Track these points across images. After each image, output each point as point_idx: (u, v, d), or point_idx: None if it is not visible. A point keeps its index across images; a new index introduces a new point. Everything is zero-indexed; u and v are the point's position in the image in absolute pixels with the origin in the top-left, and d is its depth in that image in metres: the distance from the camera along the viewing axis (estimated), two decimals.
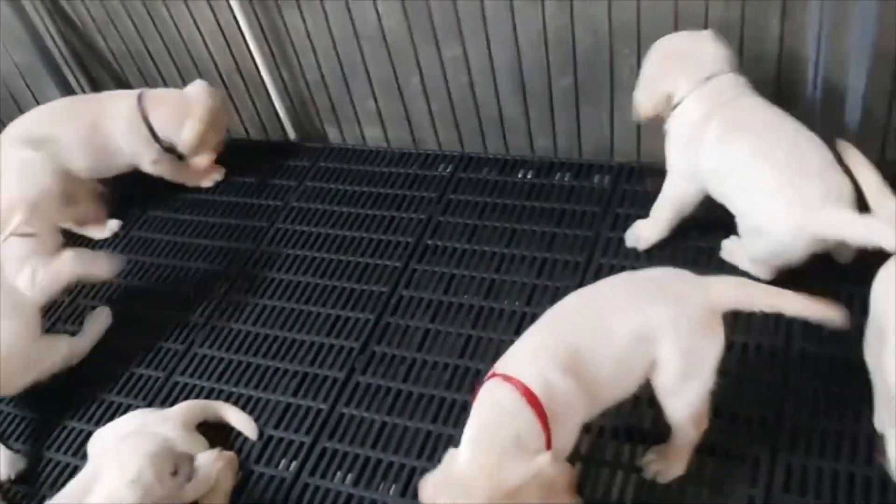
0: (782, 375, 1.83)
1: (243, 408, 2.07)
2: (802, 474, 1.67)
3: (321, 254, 2.46)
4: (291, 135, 2.91)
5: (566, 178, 2.47)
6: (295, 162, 2.82)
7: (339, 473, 1.91)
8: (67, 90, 3.10)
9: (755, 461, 1.71)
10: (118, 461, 1.70)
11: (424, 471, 1.54)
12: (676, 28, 2.12)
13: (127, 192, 2.82)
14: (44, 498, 1.99)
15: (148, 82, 3.00)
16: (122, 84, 3.07)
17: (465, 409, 1.91)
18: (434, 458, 1.85)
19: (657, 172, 2.34)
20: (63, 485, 1.93)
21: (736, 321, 1.81)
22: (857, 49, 1.93)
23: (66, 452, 2.13)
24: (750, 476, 1.69)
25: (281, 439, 2.00)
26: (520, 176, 2.53)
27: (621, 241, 2.22)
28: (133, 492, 1.64)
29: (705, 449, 1.72)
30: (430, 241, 2.40)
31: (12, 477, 2.05)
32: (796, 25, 2.02)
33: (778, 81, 2.14)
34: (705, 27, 2.09)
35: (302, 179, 2.74)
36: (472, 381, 1.99)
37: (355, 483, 1.88)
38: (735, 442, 1.74)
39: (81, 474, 1.85)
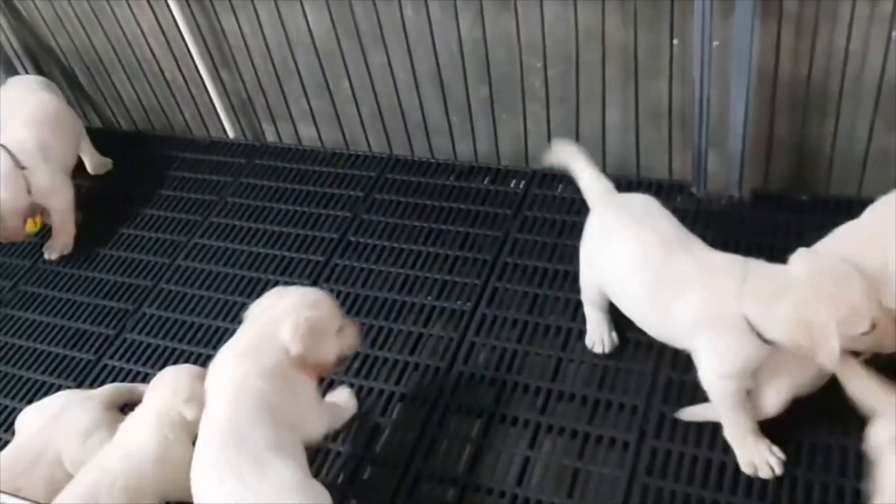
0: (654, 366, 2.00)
1: None
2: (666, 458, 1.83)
3: (250, 247, 2.59)
4: (231, 133, 3.03)
5: (485, 182, 2.62)
6: (232, 159, 2.95)
7: None
8: None
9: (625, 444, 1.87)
10: (172, 384, 1.85)
11: None
12: (578, 45, 2.28)
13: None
14: None
15: (95, 79, 3.11)
16: (70, 79, 3.18)
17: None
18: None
19: (568, 179, 2.52)
20: None
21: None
22: (737, 69, 2.08)
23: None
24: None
25: None
26: (442, 179, 2.67)
27: (527, 241, 2.38)
28: (192, 410, 1.79)
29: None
30: (352, 238, 2.54)
31: None
32: (685, 46, 2.17)
33: (670, 99, 2.30)
34: (603, 44, 2.26)
35: (238, 176, 2.87)
36: (380, 368, 2.14)
37: None
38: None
39: (11, 446, 1.98)
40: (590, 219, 1.98)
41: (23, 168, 2.59)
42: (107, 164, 3.04)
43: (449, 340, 2.18)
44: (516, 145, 2.62)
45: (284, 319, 1.74)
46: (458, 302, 2.27)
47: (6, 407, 2.32)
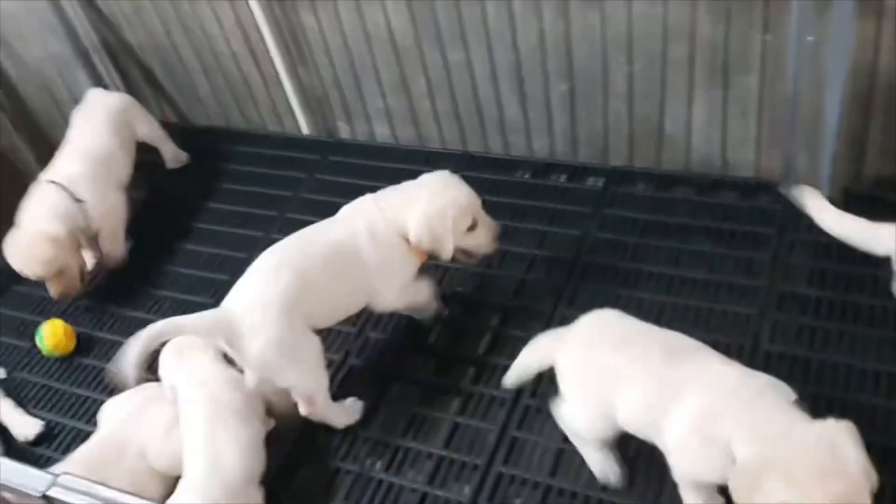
0: None
1: None
2: None
3: None
4: (305, 129, 3.05)
5: (562, 179, 2.59)
6: (307, 155, 2.96)
7: None
8: (98, 81, 3.26)
9: None
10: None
11: None
12: (666, 40, 2.23)
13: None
14: (51, 459, 2.16)
15: (172, 75, 3.15)
16: (147, 75, 3.23)
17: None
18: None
19: (648, 176, 2.47)
20: (73, 447, 2.11)
21: None
22: (833, 66, 2.01)
23: (78, 419, 2.30)
24: None
25: None
26: (518, 175, 2.64)
27: (608, 241, 2.34)
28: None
29: None
30: None
31: (30, 439, 2.22)
32: (778, 41, 2.11)
33: (760, 95, 2.24)
34: (692, 41, 2.20)
35: (313, 172, 2.88)
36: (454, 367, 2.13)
37: None
38: None
39: (94, 439, 2.02)
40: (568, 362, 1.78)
41: (79, 201, 2.54)
42: (181, 157, 3.05)
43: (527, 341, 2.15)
44: (595, 142, 2.58)
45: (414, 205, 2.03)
46: (538, 302, 2.24)
47: (87, 398, 2.36)
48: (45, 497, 1.20)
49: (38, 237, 2.42)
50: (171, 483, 1.98)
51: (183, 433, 1.91)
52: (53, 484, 1.20)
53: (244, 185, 2.91)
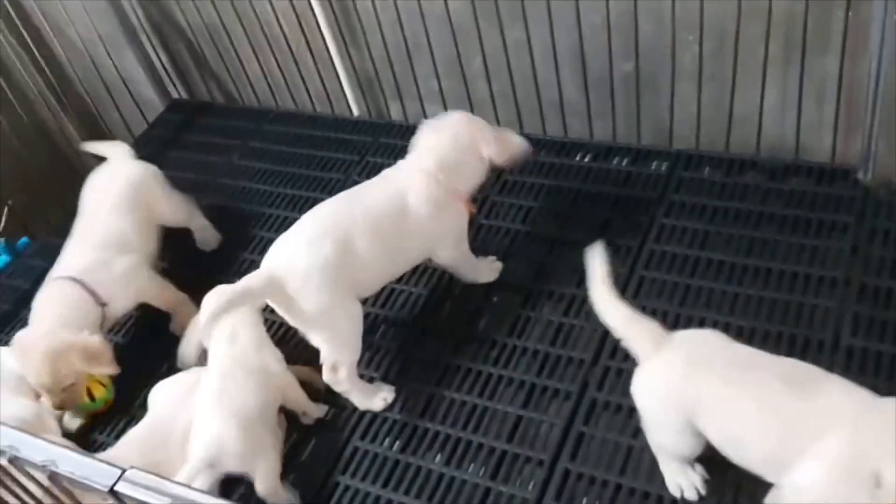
0: None
1: None
2: None
3: None
4: (356, 111, 2.98)
5: (624, 163, 2.49)
6: (358, 137, 2.89)
7: None
8: (147, 61, 3.22)
9: None
10: None
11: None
12: (740, 17, 2.12)
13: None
14: (103, 443, 2.13)
15: (221, 54, 3.09)
16: (195, 55, 3.18)
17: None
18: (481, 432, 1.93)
19: (716, 161, 2.37)
20: (124, 431, 2.08)
21: None
22: None
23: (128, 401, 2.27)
24: None
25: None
26: (577, 159, 2.55)
27: (675, 227, 2.24)
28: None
29: None
30: (484, 221, 2.44)
31: (73, 430, 2.20)
32: (860, 20, 1.99)
33: (839, 77, 2.12)
34: (769, 18, 2.09)
35: (364, 154, 2.81)
36: (519, 360, 2.06)
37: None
38: None
39: (144, 422, 1.99)
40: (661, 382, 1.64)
41: (103, 305, 2.21)
42: (212, 241, 2.67)
43: (592, 332, 2.07)
44: (659, 125, 2.48)
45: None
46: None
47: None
48: (112, 492, 1.15)
49: (49, 354, 2.05)
50: None
51: (201, 387, 1.94)
52: (121, 478, 1.15)
53: (295, 167, 2.85)
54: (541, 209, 2.43)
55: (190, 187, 2.89)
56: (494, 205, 2.48)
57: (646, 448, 1.79)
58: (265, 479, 1.87)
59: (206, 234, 2.65)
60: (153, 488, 1.13)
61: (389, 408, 2.05)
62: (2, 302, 2.71)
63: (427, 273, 2.33)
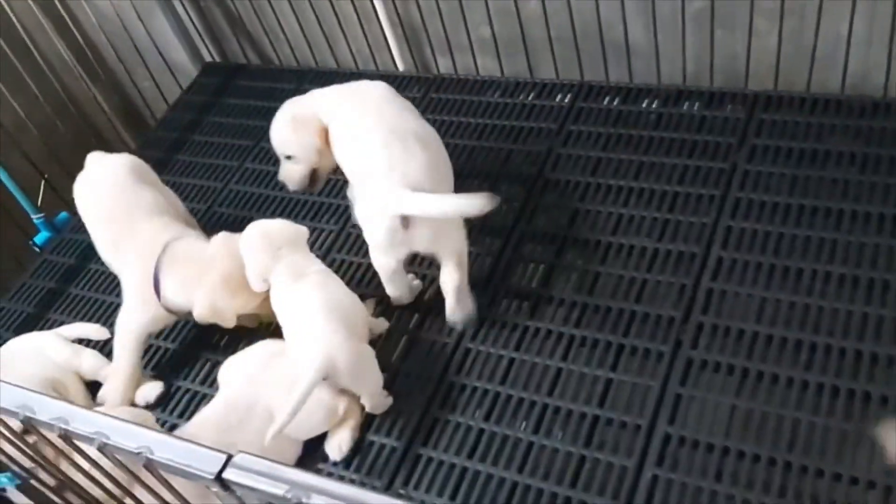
0: None
1: None
2: None
3: None
4: (401, 66, 2.83)
5: (695, 108, 2.34)
6: (405, 93, 2.74)
7: None
8: (178, 22, 3.08)
9: None
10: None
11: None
12: None
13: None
14: (166, 422, 2.04)
15: (257, 12, 2.94)
16: (229, 14, 3.03)
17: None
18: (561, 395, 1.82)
19: (798, 102, 2.22)
20: (194, 410, 1.98)
21: None
22: None
23: (196, 381, 2.16)
24: None
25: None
26: (644, 105, 2.40)
27: (760, 173, 2.11)
28: None
29: None
30: (550, 175, 2.31)
31: (151, 402, 2.10)
32: None
33: None
34: None
35: None
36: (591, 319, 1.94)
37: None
38: None
39: (217, 400, 1.89)
40: None
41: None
42: None
43: (681, 287, 1.94)
44: (733, 65, 2.33)
45: None
46: (685, 245, 2.02)
47: (206, 359, 2.23)
48: (219, 479, 1.04)
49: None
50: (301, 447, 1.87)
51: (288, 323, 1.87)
52: (228, 464, 1.05)
53: None
54: (609, 160, 2.29)
55: (232, 153, 2.78)
56: (560, 157, 2.34)
57: (753, 408, 1.68)
58: (372, 393, 1.86)
59: None
60: (268, 474, 1.02)
61: (467, 374, 1.94)
62: (47, 279, 2.61)
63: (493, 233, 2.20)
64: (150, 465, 1.10)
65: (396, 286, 2.05)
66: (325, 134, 2.07)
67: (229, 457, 1.06)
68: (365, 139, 1.93)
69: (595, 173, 2.27)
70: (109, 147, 2.85)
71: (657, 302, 1.94)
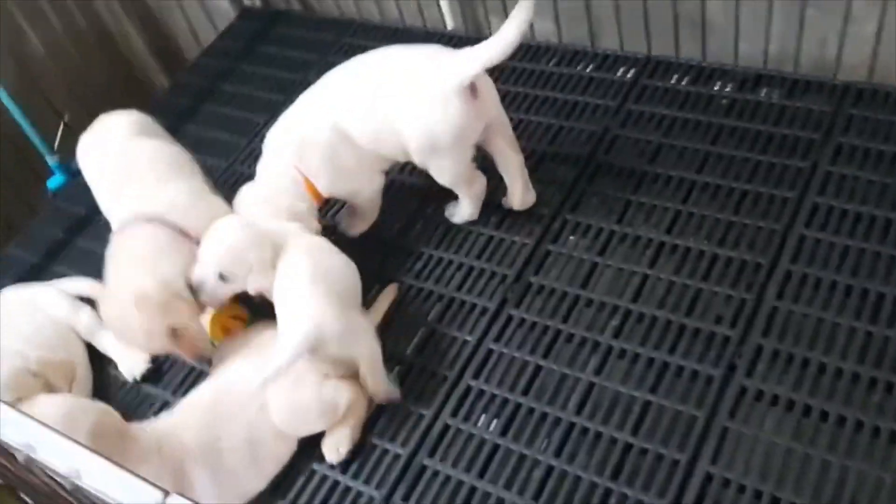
0: None
1: None
2: None
3: None
4: (450, 24, 2.59)
5: (775, 96, 2.06)
6: None
7: None
8: None
9: None
10: None
11: None
12: None
13: None
14: (166, 402, 1.87)
15: None
16: None
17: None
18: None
19: (893, 98, 1.94)
20: (190, 386, 1.81)
21: None
22: None
23: None
24: None
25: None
26: (717, 88, 2.13)
27: (844, 177, 1.83)
28: None
29: None
30: (603, 159, 2.06)
31: (137, 376, 1.94)
32: None
33: None
34: None
35: None
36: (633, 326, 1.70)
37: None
38: None
39: (204, 386, 1.72)
40: None
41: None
42: None
43: (741, 302, 1.69)
44: (822, 51, 2.03)
45: None
46: (749, 254, 1.77)
47: None
48: None
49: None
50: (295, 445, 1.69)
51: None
52: None
53: None
54: (670, 148, 2.03)
55: (261, 106, 2.58)
56: (615, 140, 2.09)
57: (812, 454, 1.44)
58: (370, 364, 1.66)
59: None
60: None
61: (487, 379, 1.73)
62: (55, 227, 2.46)
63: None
64: (76, 492, 0.92)
65: (476, 176, 1.92)
66: None
67: (165, 494, 0.87)
68: None
69: (654, 161, 2.01)
70: (141, 88, 2.69)
71: (711, 316, 1.69)
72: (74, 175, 2.62)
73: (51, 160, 2.59)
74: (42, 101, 2.65)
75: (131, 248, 1.78)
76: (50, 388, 1.84)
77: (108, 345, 1.99)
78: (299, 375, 1.61)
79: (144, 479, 0.90)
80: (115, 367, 2.00)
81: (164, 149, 2.02)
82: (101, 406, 1.62)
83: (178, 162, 2.00)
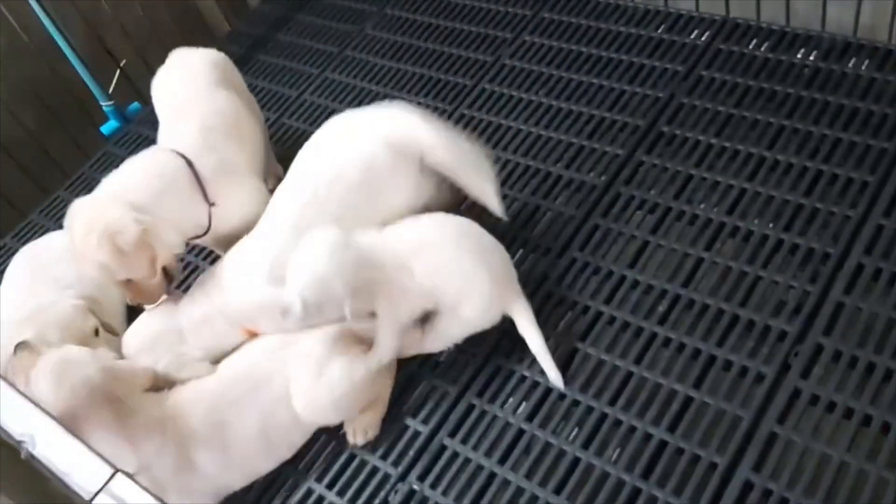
0: None
1: None
2: None
3: (528, 127, 2.04)
4: None
5: (864, 67, 1.86)
6: (514, 10, 2.35)
7: None
8: None
9: None
10: None
11: None
12: None
13: None
14: None
15: None
16: None
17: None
18: None
19: None
20: None
21: None
22: None
23: None
24: None
25: None
26: (799, 56, 1.93)
27: None
28: None
29: None
30: (666, 128, 1.90)
31: None
32: None
33: None
34: None
35: (519, 32, 2.28)
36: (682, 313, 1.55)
37: None
38: None
39: (222, 366, 1.63)
40: None
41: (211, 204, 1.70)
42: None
43: (803, 294, 1.53)
44: None
45: None
46: (818, 241, 1.60)
47: None
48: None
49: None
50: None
51: None
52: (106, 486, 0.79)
53: (437, 44, 2.37)
54: (742, 119, 1.85)
55: (314, 58, 2.51)
56: (681, 108, 1.92)
57: (868, 470, 1.28)
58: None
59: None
60: None
61: (519, 360, 1.61)
62: (106, 173, 2.42)
63: None
64: (28, 459, 0.86)
65: None
66: None
67: (115, 471, 0.80)
68: None
69: (721, 133, 1.85)
70: (200, 34, 2.63)
71: (768, 308, 1.54)
72: (128, 120, 2.61)
73: (105, 105, 2.57)
74: (97, 46, 2.61)
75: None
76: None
77: None
78: (329, 364, 1.51)
79: (99, 455, 0.83)
80: None
81: (226, 105, 1.86)
82: (109, 366, 1.48)
83: (235, 124, 1.84)
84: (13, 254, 2.03)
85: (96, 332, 1.71)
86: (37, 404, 0.89)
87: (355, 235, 1.50)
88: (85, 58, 2.50)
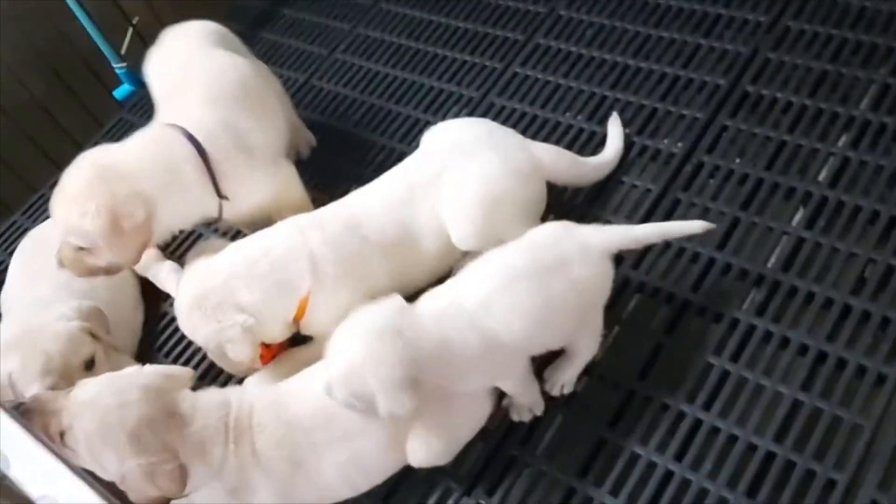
0: None
1: None
2: None
3: (585, 85, 1.82)
4: None
5: None
6: None
7: None
8: None
9: None
10: None
11: None
12: None
13: None
14: None
15: None
16: None
17: None
18: None
19: None
20: None
21: None
22: None
23: None
24: None
25: None
26: (868, 33, 1.70)
27: None
28: None
29: None
30: (751, 88, 1.68)
31: None
32: None
33: None
34: None
35: (554, 6, 2.04)
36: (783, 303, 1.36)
37: None
38: None
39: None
40: None
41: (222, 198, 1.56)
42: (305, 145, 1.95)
43: None
44: None
45: None
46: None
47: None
48: None
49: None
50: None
51: None
52: None
53: (458, 20, 2.13)
54: (838, 77, 1.64)
55: (347, 12, 2.29)
56: (767, 64, 1.70)
57: None
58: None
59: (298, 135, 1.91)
60: None
61: None
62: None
63: None
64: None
65: None
66: None
67: None
68: None
69: (815, 94, 1.64)
70: None
71: (888, 299, 1.34)
72: (143, 84, 2.41)
73: (118, 68, 2.36)
74: (108, 3, 2.41)
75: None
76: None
77: (164, 279, 1.78)
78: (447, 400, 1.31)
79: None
80: (172, 302, 1.79)
81: (229, 67, 1.68)
82: (150, 389, 1.27)
83: (244, 89, 1.64)
84: (24, 232, 1.88)
85: (91, 364, 1.51)
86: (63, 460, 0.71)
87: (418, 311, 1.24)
88: (94, 16, 2.30)
